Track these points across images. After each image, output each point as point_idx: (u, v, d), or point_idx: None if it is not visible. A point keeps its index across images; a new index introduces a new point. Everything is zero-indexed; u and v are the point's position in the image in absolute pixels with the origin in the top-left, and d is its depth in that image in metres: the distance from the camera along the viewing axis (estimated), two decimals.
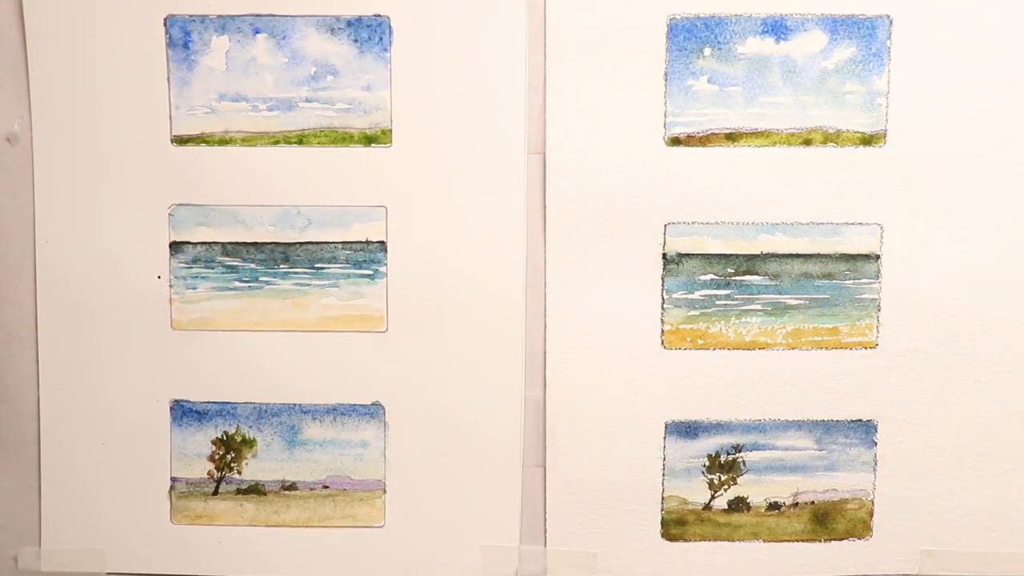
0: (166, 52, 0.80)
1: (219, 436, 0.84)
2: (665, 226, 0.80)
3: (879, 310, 0.81)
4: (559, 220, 0.80)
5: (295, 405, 0.83)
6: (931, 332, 0.81)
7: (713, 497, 0.83)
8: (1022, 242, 0.80)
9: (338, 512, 0.84)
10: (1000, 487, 0.82)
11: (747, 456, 0.83)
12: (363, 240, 0.81)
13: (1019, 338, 0.81)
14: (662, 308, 0.81)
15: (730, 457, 0.83)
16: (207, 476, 0.84)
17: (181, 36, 0.80)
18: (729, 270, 0.81)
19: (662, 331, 0.81)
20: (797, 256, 0.81)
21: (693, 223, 0.80)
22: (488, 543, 0.83)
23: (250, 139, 0.80)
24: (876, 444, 0.82)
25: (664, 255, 0.81)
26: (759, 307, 0.81)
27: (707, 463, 0.83)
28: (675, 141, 0.79)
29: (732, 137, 0.79)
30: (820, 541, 0.83)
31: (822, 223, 0.80)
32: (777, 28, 0.78)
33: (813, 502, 0.83)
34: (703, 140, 0.79)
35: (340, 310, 0.82)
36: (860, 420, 0.82)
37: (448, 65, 0.79)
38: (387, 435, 0.83)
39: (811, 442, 0.82)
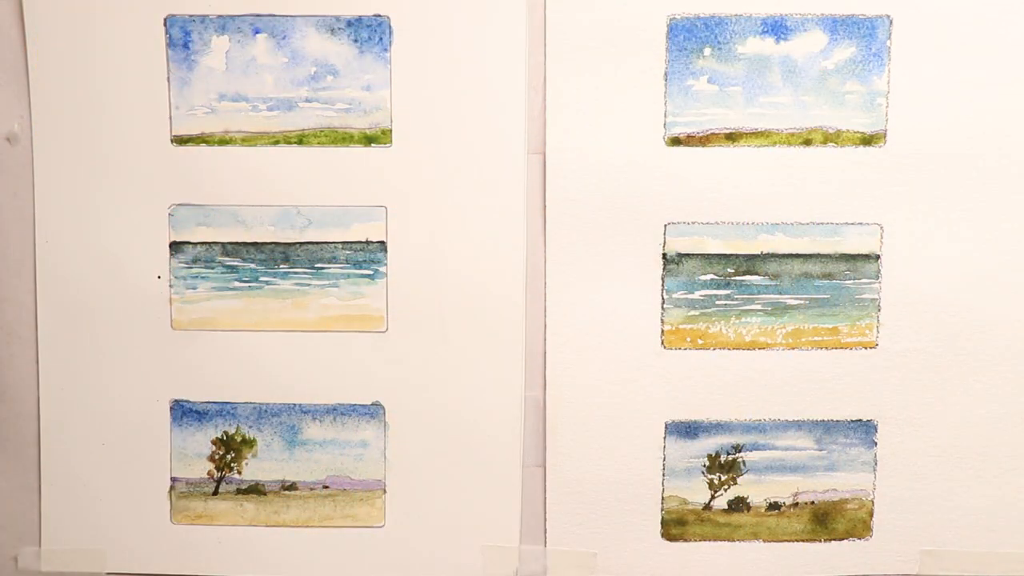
0: (166, 52, 0.80)
1: (219, 436, 0.84)
2: (665, 226, 0.80)
3: (879, 310, 0.81)
4: (559, 220, 0.80)
5: (295, 405, 0.83)
6: (931, 332, 0.81)
7: (713, 497, 0.83)
8: (1022, 242, 0.80)
9: (338, 512, 0.84)
10: (1000, 487, 0.82)
11: (747, 456, 0.83)
12: (363, 240, 0.81)
13: (1019, 338, 0.80)
14: (662, 308, 0.81)
15: (730, 457, 0.83)
16: (207, 476, 0.84)
17: (181, 36, 0.79)
18: (729, 270, 0.81)
19: (662, 331, 0.81)
20: (797, 256, 0.81)
21: (693, 223, 0.80)
22: (488, 543, 0.83)
23: (250, 139, 0.80)
24: (876, 444, 0.82)
25: (664, 255, 0.81)
26: (759, 307, 0.81)
27: (707, 463, 0.83)
28: (675, 141, 0.79)
29: (732, 137, 0.79)
30: (820, 541, 0.83)
31: (822, 223, 0.80)
32: (777, 28, 0.78)
33: (813, 502, 0.83)
34: (703, 140, 0.79)
35: (340, 310, 0.82)
36: (860, 420, 0.82)
37: (448, 65, 0.79)
38: (387, 435, 0.83)
39: (811, 442, 0.82)
